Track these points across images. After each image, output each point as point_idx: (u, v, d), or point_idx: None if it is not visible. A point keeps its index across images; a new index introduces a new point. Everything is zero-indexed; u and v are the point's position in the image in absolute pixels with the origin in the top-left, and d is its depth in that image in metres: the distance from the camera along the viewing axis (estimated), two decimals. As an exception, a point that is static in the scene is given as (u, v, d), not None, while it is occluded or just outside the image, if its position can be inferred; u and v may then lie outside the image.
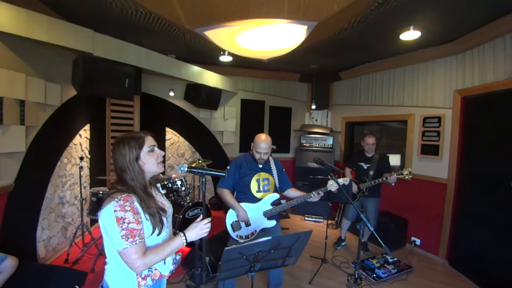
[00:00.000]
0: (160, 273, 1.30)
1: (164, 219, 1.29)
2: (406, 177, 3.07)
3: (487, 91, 2.94)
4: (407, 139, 4.02)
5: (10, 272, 2.04)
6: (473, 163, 3.19)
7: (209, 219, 1.34)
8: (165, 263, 1.33)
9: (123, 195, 1.16)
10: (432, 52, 3.56)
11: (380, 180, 3.21)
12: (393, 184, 3.15)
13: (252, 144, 2.29)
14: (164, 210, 1.31)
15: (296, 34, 2.71)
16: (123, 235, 1.11)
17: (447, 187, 3.47)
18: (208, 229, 1.33)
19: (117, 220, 1.11)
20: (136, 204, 1.18)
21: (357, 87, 4.96)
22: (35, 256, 2.86)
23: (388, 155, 3.70)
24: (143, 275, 1.24)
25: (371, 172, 3.42)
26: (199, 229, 1.31)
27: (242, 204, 2.22)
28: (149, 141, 1.28)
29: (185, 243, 1.27)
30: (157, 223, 1.23)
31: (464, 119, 3.34)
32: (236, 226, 2.25)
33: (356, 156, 3.70)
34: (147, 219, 1.20)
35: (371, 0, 2.33)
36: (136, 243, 1.12)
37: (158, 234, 1.24)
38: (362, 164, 3.54)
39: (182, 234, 1.27)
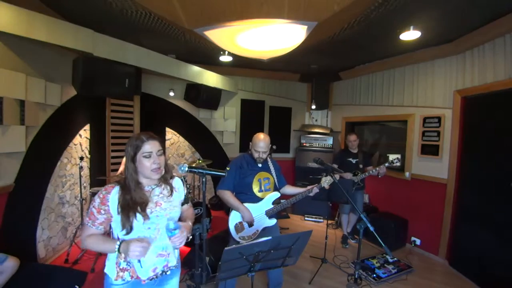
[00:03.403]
0: (137, 274, 1.30)
1: (135, 223, 1.27)
2: (395, 164, 3.29)
3: (487, 91, 2.94)
4: (407, 139, 4.02)
5: (11, 273, 2.03)
6: (473, 163, 3.19)
7: (144, 244, 1.22)
8: (141, 267, 1.31)
9: (109, 185, 1.32)
10: (432, 52, 3.56)
11: (373, 171, 3.40)
12: (382, 175, 3.39)
13: (250, 143, 2.30)
14: (142, 212, 1.28)
15: (296, 34, 2.71)
16: (87, 213, 1.32)
17: (447, 187, 3.46)
18: (138, 254, 1.19)
19: (92, 201, 1.32)
20: (110, 196, 1.28)
21: (357, 87, 4.95)
22: (35, 256, 2.86)
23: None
24: (121, 267, 1.30)
25: (361, 166, 3.81)
26: (132, 246, 1.18)
27: (245, 204, 2.22)
28: (147, 146, 1.29)
29: (116, 252, 1.23)
30: (124, 222, 1.25)
31: (464, 119, 3.33)
32: (239, 227, 2.25)
33: (343, 153, 3.97)
34: (118, 214, 1.27)
35: (371, 0, 2.33)
36: (88, 224, 1.29)
37: (126, 234, 1.27)
38: (351, 159, 3.85)
39: (119, 243, 1.23)
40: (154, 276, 1.35)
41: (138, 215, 1.27)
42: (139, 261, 1.30)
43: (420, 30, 2.92)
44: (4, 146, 2.35)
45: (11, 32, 2.19)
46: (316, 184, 2.28)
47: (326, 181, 2.26)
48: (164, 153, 1.39)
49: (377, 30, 3.03)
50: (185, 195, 1.54)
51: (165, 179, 1.43)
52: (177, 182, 1.51)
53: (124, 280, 1.29)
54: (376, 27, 2.91)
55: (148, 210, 1.32)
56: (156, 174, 1.33)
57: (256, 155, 2.24)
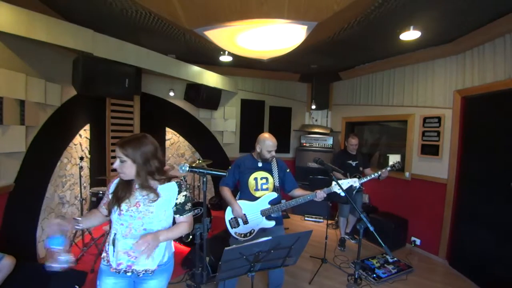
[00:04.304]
0: (109, 261, 1.40)
1: (112, 212, 1.40)
2: (397, 167, 3.21)
3: (487, 91, 2.94)
4: (407, 139, 4.02)
5: (8, 271, 2.03)
6: (473, 163, 3.19)
7: (57, 221, 1.33)
8: (113, 255, 1.38)
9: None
10: (432, 52, 3.56)
11: (375, 174, 3.25)
12: (384, 178, 3.26)
13: (257, 146, 2.29)
14: (118, 208, 1.38)
15: (296, 34, 2.71)
16: None
17: (447, 187, 3.46)
18: (48, 230, 1.33)
19: None
20: (112, 184, 1.47)
21: (357, 87, 4.95)
22: (35, 256, 2.86)
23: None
24: (106, 249, 1.44)
25: (361, 168, 3.79)
26: (48, 223, 1.38)
27: (239, 201, 2.27)
28: (117, 151, 1.41)
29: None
30: (109, 204, 1.42)
31: (464, 119, 3.34)
32: (233, 223, 2.29)
33: (343, 155, 3.90)
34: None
35: (371, 0, 2.33)
36: (101, 203, 1.53)
37: (107, 215, 1.48)
38: (351, 162, 3.79)
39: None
40: (116, 271, 1.37)
41: (115, 207, 1.38)
42: (113, 250, 1.38)
43: (420, 30, 2.92)
44: (4, 146, 2.35)
45: (11, 32, 2.19)
46: (325, 188, 2.16)
47: (337, 187, 2.10)
48: (144, 162, 1.35)
49: (377, 30, 3.03)
50: (176, 204, 1.43)
51: (143, 186, 1.38)
52: (169, 188, 1.41)
53: (105, 260, 1.42)
54: (376, 27, 2.91)
55: (125, 207, 1.37)
56: (122, 176, 1.41)
57: (269, 155, 2.26)
